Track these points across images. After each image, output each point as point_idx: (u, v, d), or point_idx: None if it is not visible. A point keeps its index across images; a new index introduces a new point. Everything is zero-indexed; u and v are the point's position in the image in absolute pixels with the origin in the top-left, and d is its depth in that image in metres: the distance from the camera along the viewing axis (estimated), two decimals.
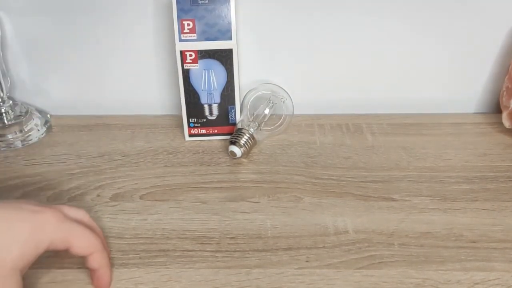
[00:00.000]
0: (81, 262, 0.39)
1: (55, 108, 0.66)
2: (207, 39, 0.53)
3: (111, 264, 0.40)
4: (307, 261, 0.41)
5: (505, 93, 0.60)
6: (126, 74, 0.64)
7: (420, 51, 0.62)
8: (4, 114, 0.59)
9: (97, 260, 0.37)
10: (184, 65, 0.54)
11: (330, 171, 0.53)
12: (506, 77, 0.60)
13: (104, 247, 0.38)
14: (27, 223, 0.33)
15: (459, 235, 0.44)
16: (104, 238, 0.41)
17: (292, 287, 0.39)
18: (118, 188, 0.50)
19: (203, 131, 0.59)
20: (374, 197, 0.49)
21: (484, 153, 0.56)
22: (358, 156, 0.56)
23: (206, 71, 0.55)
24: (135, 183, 0.51)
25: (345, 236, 0.44)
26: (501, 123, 0.60)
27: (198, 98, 0.57)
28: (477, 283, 0.39)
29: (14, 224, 0.32)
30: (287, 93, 0.59)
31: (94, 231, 0.38)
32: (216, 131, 0.59)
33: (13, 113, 0.60)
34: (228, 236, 0.44)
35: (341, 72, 0.64)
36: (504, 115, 0.60)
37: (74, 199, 0.49)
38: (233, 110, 0.58)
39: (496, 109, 0.66)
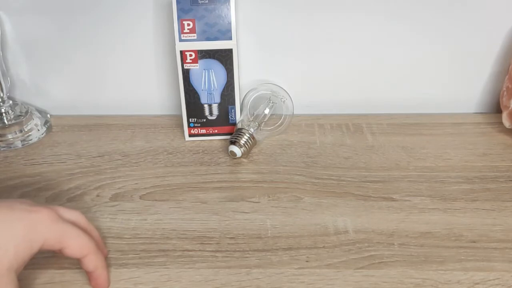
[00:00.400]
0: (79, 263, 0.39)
1: (55, 108, 0.66)
2: (207, 39, 0.53)
3: (109, 264, 0.40)
4: (307, 261, 0.41)
5: (505, 93, 0.60)
6: (126, 74, 0.64)
7: (420, 51, 0.62)
8: (4, 114, 0.59)
9: (91, 262, 0.36)
10: (184, 65, 0.54)
11: (330, 171, 0.53)
12: (506, 77, 0.60)
13: (100, 249, 0.38)
14: (21, 223, 0.33)
15: (459, 235, 0.44)
16: (101, 240, 0.41)
17: (292, 287, 0.39)
18: (118, 188, 0.50)
19: (203, 131, 0.59)
20: (374, 197, 0.49)
21: (484, 153, 0.56)
22: (358, 156, 0.56)
23: (206, 71, 0.55)
24: (135, 183, 0.51)
25: (345, 236, 0.44)
26: (501, 123, 0.60)
27: (198, 98, 0.57)
28: (477, 283, 0.39)
29: (8, 224, 0.32)
30: (287, 93, 0.59)
31: (90, 234, 0.38)
32: (216, 131, 0.59)
33: (13, 113, 0.60)
34: (228, 236, 0.44)
35: (341, 72, 0.64)
36: (504, 115, 0.60)
37: (74, 199, 0.49)
38: (233, 110, 0.58)
39: (496, 109, 0.66)
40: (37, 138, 0.59)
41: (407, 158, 0.55)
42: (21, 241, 0.32)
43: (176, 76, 0.56)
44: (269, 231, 0.45)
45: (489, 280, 0.39)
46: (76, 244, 0.35)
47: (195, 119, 0.58)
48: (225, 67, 0.55)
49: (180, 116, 0.59)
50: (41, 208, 0.34)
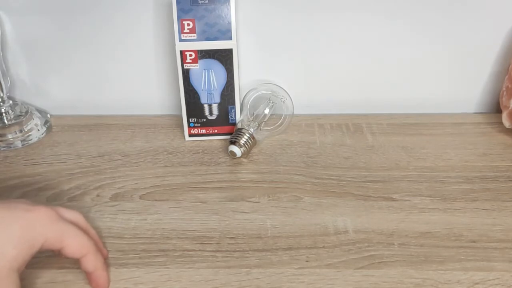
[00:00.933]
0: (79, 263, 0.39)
1: (55, 108, 0.66)
2: (207, 39, 0.53)
3: (109, 264, 0.40)
4: (307, 261, 0.41)
5: (505, 93, 0.60)
6: (126, 74, 0.64)
7: (420, 51, 0.62)
8: (4, 114, 0.59)
9: (90, 262, 0.36)
10: (184, 65, 0.54)
11: (330, 171, 0.53)
12: (506, 77, 0.60)
13: (100, 249, 0.38)
14: (18, 223, 0.33)
15: (459, 235, 0.44)
16: (100, 241, 0.41)
17: (292, 287, 0.39)
18: (118, 188, 0.50)
19: (203, 131, 0.59)
20: (374, 197, 0.49)
21: (484, 153, 0.56)
22: (358, 156, 0.56)
23: (206, 71, 0.55)
24: (135, 183, 0.51)
25: (345, 236, 0.44)
26: (501, 123, 0.60)
27: (198, 98, 0.57)
28: (477, 283, 0.39)
29: (7, 224, 0.32)
30: (287, 93, 0.59)
31: (89, 234, 0.38)
32: (216, 131, 0.59)
33: (13, 113, 0.60)
34: (228, 236, 0.44)
35: (341, 72, 0.64)
36: (504, 115, 0.60)
37: (74, 199, 0.49)
38: (233, 110, 0.58)
39: (496, 109, 0.66)
40: (37, 138, 0.59)
41: (407, 158, 0.55)
42: (19, 241, 0.32)
43: (176, 76, 0.56)
44: (269, 231, 0.45)
45: (489, 280, 0.39)
46: (75, 243, 0.35)
47: (195, 119, 0.58)
48: (225, 67, 0.55)
49: (180, 116, 0.59)
50: (40, 208, 0.34)
